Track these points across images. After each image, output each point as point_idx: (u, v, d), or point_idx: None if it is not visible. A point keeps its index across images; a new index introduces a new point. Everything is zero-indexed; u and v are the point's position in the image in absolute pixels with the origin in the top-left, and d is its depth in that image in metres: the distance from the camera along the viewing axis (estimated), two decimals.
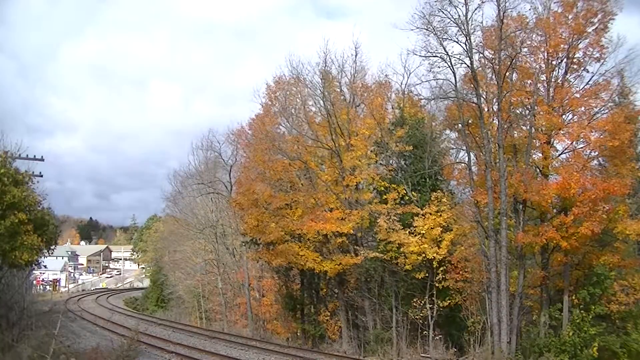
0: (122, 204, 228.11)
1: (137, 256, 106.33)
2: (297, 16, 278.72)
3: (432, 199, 23.92)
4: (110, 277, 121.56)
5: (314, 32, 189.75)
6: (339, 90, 28.12)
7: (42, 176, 22.24)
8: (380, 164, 26.43)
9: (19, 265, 19.91)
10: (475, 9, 20.93)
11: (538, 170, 21.96)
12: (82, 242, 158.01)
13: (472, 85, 21.59)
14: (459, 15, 20.98)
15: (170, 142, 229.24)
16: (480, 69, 22.04)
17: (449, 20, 21.16)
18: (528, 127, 21.76)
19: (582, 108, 20.85)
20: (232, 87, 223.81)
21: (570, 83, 21.63)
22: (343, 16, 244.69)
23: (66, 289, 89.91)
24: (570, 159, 20.99)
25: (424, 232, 23.04)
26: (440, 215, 23.30)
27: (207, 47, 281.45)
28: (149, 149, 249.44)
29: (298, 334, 29.90)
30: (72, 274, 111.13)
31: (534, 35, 21.50)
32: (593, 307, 20.71)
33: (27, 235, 18.60)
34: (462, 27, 21.03)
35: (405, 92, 29.28)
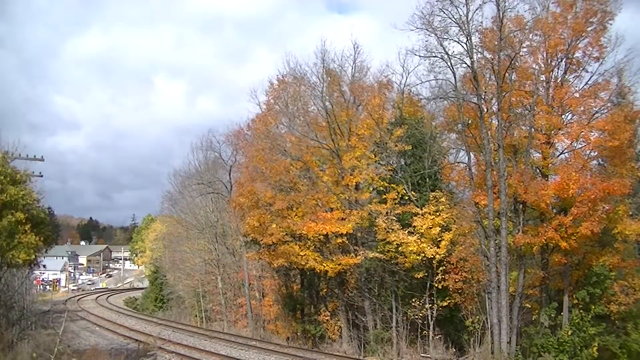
0: (124, 203, 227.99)
1: (136, 256, 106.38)
2: (308, 10, 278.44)
3: (430, 198, 23.94)
4: (110, 277, 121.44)
5: (325, 27, 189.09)
6: (339, 90, 28.04)
7: (42, 176, 22.23)
8: (380, 163, 26.41)
9: (17, 265, 19.86)
10: (476, 9, 20.97)
11: (538, 170, 21.97)
12: (82, 242, 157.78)
13: (472, 86, 21.58)
14: (460, 15, 20.99)
15: (174, 139, 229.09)
16: (480, 68, 22.03)
17: (450, 20, 21.18)
18: (528, 127, 21.76)
19: (582, 108, 20.86)
20: (238, 83, 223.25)
21: (570, 83, 21.65)
22: (355, 10, 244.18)
23: (66, 289, 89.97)
24: (569, 159, 21.00)
25: (422, 231, 23.07)
26: (439, 214, 23.33)
27: (213, 43, 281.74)
28: (152, 147, 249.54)
29: (298, 334, 29.87)
30: (72, 274, 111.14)
31: (532, 36, 21.53)
32: (593, 307, 20.72)
33: (24, 235, 18.55)
34: (463, 27, 21.03)
35: (404, 92, 29.29)
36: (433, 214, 23.38)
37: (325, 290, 30.01)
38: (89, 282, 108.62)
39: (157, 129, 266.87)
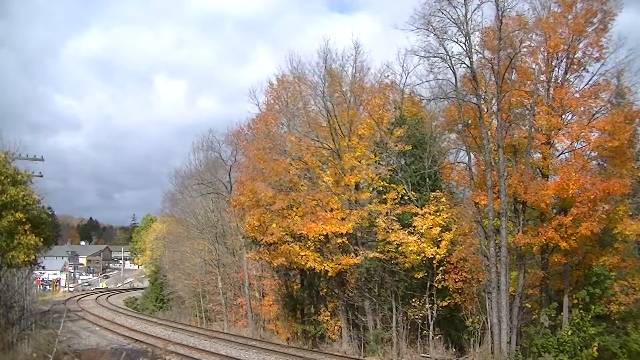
0: (124, 203, 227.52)
1: (136, 256, 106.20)
2: (309, 9, 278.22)
3: (431, 198, 23.94)
4: (107, 277, 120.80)
5: (326, 27, 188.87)
6: (340, 90, 28.02)
7: (42, 176, 22.22)
8: (380, 163, 26.41)
9: (17, 265, 19.85)
10: (475, 9, 20.93)
11: (538, 170, 21.96)
12: (82, 242, 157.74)
13: (472, 86, 21.57)
14: (459, 16, 20.96)
15: (174, 139, 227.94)
16: (480, 68, 22.02)
17: (448, 20, 21.15)
18: (528, 128, 21.75)
19: (582, 108, 20.86)
20: (239, 83, 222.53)
21: (570, 83, 21.65)
22: (357, 10, 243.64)
23: (66, 289, 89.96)
24: (569, 160, 21.00)
25: (423, 231, 23.07)
26: (439, 214, 23.33)
27: (213, 42, 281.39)
28: (153, 147, 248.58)
29: (298, 334, 29.88)
30: (72, 274, 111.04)
31: (533, 35, 21.53)
32: (593, 307, 20.71)
33: (24, 235, 18.53)
34: (462, 27, 21.00)
35: (404, 92, 29.29)
36: (433, 214, 23.38)
37: (325, 290, 30.00)
38: (86, 283, 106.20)
39: (157, 129, 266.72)
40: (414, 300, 24.89)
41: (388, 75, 28.30)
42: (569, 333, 19.97)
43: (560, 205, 21.03)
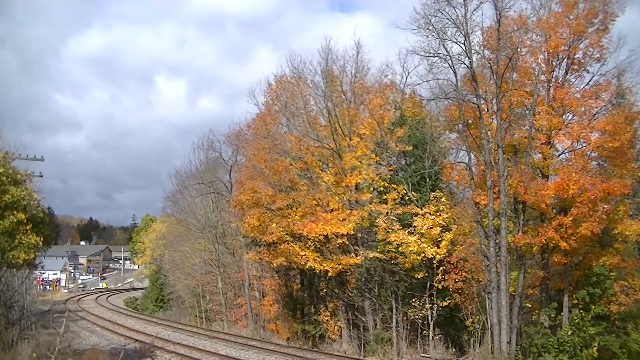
0: (124, 203, 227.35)
1: (136, 256, 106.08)
2: (310, 8, 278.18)
3: (431, 198, 23.95)
4: (104, 279, 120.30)
5: (327, 26, 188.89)
6: (340, 89, 28.04)
7: (42, 176, 22.20)
8: (380, 164, 26.41)
9: (17, 265, 19.82)
10: (474, 10, 20.93)
11: (538, 170, 21.96)
12: (82, 242, 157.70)
13: (472, 86, 21.57)
14: (458, 16, 20.97)
15: (175, 139, 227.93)
16: (480, 69, 22.01)
17: (447, 20, 21.15)
18: (528, 128, 21.75)
19: (582, 108, 20.84)
20: (240, 82, 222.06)
21: (571, 83, 21.64)
22: (358, 9, 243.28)
23: (67, 290, 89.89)
24: (570, 160, 21.00)
25: (423, 231, 23.07)
26: (440, 214, 23.34)
27: (214, 41, 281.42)
28: (153, 147, 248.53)
29: (298, 334, 29.88)
30: (72, 274, 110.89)
31: (533, 35, 21.52)
32: (593, 307, 20.71)
33: (25, 235, 18.54)
34: (461, 28, 21.01)
35: (405, 92, 29.29)
36: (433, 214, 23.38)
37: (325, 290, 29.98)
38: (81, 285, 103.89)
39: (158, 129, 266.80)
40: (414, 300, 24.88)
41: (388, 75, 28.38)
42: (569, 333, 19.97)
43: (561, 205, 21.02)
